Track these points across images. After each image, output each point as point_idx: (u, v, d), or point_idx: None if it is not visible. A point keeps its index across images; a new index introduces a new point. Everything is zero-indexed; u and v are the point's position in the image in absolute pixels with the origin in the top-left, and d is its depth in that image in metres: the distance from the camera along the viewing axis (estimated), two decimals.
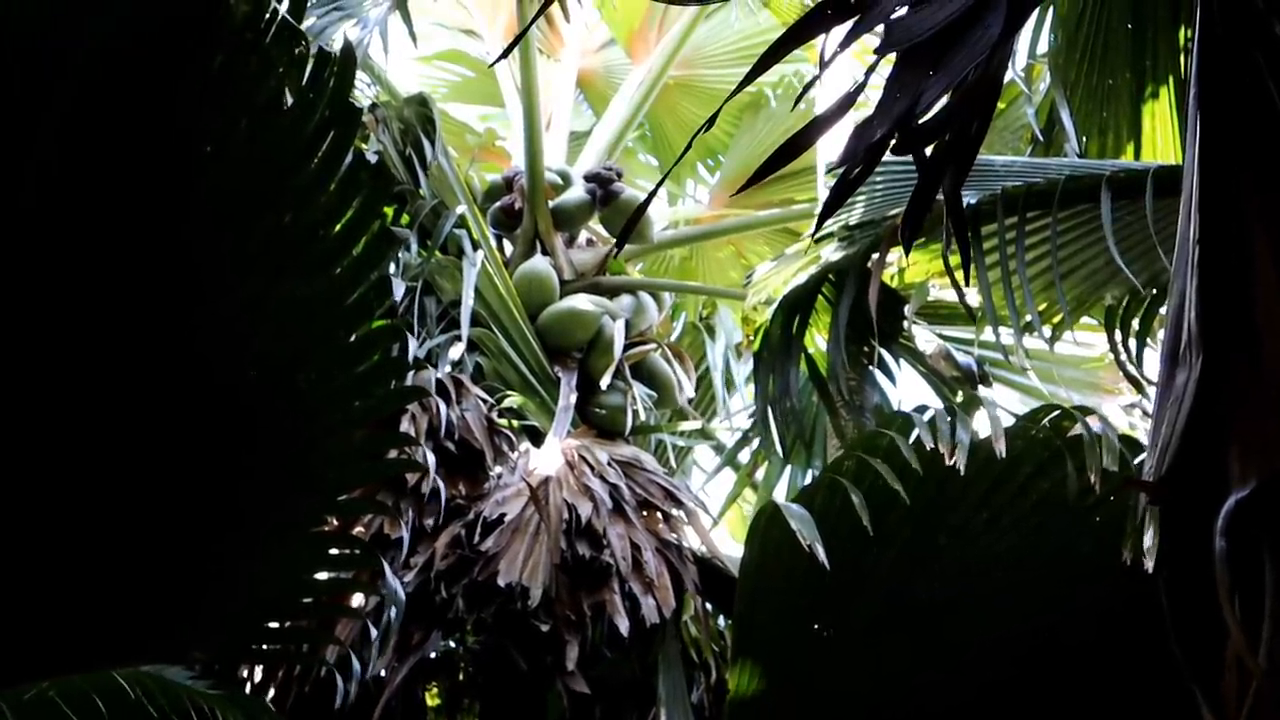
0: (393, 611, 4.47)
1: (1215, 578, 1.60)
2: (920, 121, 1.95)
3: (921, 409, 4.15)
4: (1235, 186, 1.84)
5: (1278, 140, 1.85)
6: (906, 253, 2.20)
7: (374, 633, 4.54)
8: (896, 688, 4.36)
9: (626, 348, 6.19)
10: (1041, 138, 5.96)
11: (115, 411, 3.48)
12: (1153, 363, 5.33)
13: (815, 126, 2.03)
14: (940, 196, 2.15)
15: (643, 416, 6.09)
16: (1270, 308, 1.73)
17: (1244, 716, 1.61)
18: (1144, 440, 4.12)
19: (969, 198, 4.91)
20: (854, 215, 5.30)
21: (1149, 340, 5.29)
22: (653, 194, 2.50)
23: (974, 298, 6.15)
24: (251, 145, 3.37)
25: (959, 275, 4.42)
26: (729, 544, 6.08)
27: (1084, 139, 6.01)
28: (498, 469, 5.26)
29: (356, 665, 4.43)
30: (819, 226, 2.20)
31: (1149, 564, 3.51)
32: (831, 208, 2.13)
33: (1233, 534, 1.63)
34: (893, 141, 1.97)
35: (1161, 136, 6.05)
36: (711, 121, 2.35)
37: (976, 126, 2.09)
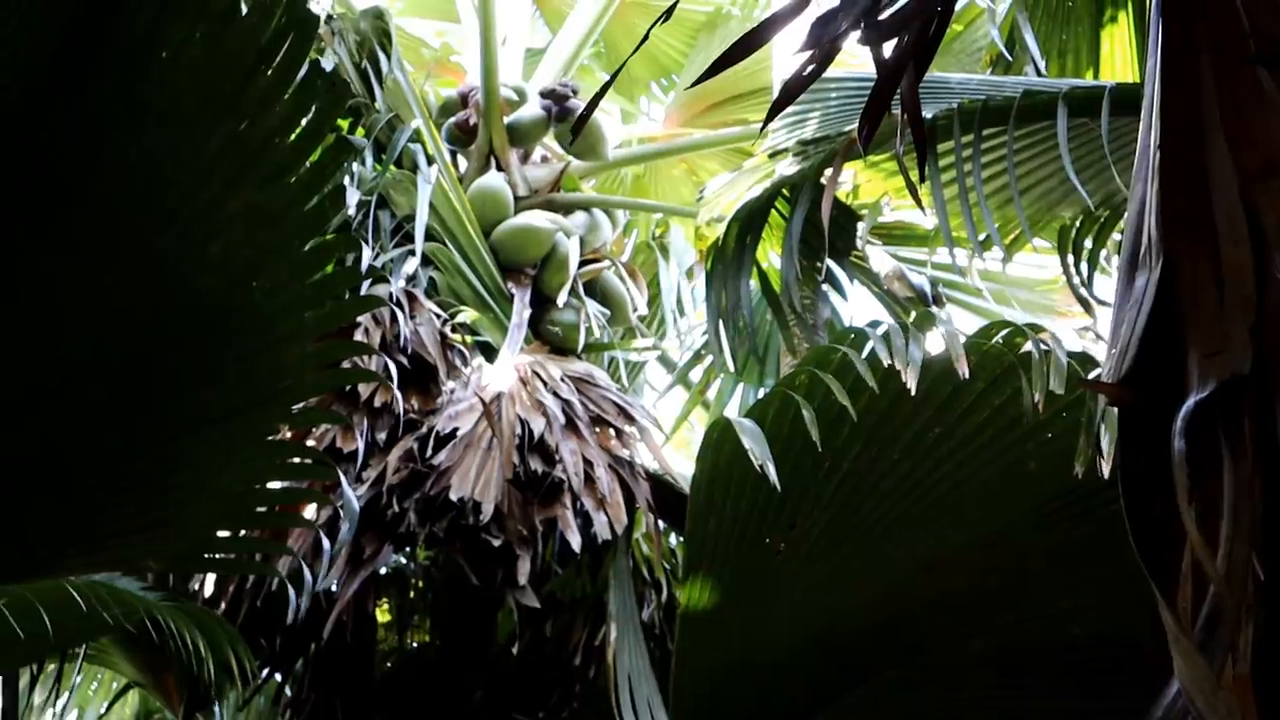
0: (345, 528, 4.47)
1: (1173, 480, 1.60)
2: (882, 16, 1.94)
3: (875, 324, 4.15)
4: (1196, 88, 1.84)
5: (1238, 28, 1.84)
6: (865, 146, 2.18)
7: (326, 545, 4.55)
8: (847, 603, 4.39)
9: (580, 265, 6.18)
10: (1007, 54, 5.95)
11: (68, 313, 3.46)
12: (1104, 286, 5.37)
13: (771, 23, 2.02)
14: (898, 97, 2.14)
15: (596, 334, 6.09)
16: (1229, 210, 1.73)
17: (1202, 620, 1.61)
18: (1097, 357, 4.14)
19: (925, 111, 4.89)
20: (808, 130, 5.29)
21: (1101, 262, 5.33)
22: (602, 91, 2.47)
23: (929, 220, 6.17)
24: (209, 52, 3.34)
25: (914, 178, 4.43)
26: (681, 463, 6.07)
27: (1044, 60, 6.02)
28: (451, 384, 5.25)
29: (309, 577, 4.43)
30: (771, 117, 2.18)
31: (1103, 472, 3.57)
32: (787, 98, 2.12)
33: (1191, 436, 1.63)
34: (855, 34, 1.96)
35: (1121, 59, 6.06)
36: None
37: (936, 25, 2.08)
